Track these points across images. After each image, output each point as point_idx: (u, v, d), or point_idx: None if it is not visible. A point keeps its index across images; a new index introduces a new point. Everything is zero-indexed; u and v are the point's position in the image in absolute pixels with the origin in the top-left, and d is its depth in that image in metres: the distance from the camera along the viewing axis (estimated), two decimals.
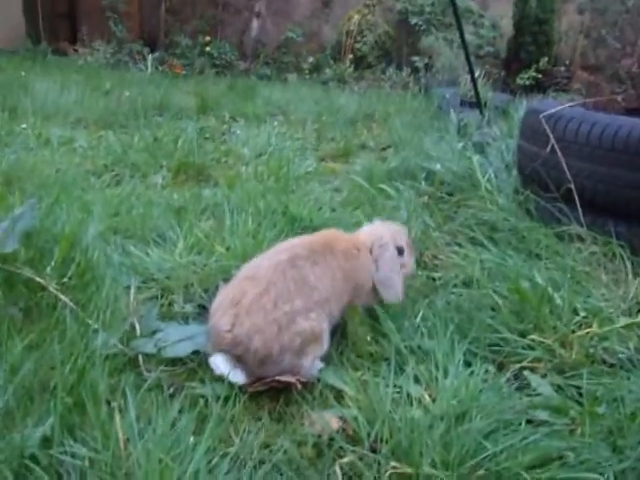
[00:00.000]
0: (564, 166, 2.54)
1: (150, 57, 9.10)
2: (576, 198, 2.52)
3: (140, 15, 10.77)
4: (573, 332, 1.87)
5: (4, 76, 6.66)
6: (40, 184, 2.97)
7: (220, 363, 1.59)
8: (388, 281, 1.86)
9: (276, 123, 5.31)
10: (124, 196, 2.82)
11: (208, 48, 10.02)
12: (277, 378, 1.56)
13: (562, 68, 8.90)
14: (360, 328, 1.67)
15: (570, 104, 2.81)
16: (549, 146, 2.58)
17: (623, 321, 1.98)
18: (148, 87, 6.51)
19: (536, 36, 9.34)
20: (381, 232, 1.96)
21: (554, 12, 9.39)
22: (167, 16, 10.72)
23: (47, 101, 5.18)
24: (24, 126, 4.35)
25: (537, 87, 8.51)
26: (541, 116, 2.62)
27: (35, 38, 10.22)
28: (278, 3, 10.89)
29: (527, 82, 8.55)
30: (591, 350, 1.84)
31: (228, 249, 2.26)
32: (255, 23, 10.33)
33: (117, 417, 1.36)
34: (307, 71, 9.71)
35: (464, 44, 4.42)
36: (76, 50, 9.67)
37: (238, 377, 1.58)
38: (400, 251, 1.95)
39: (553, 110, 2.63)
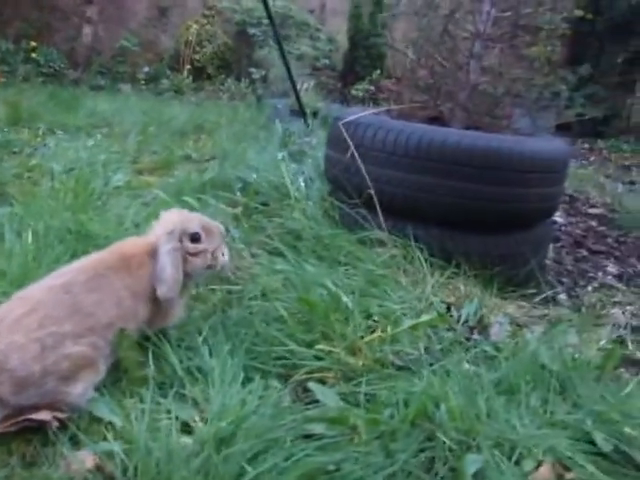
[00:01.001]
0: (364, 172, 2.59)
1: None
2: (376, 203, 2.58)
3: None
4: (362, 338, 1.88)
5: None
6: None
7: None
8: (160, 275, 1.67)
9: (99, 136, 5.01)
10: None
11: (34, 54, 9.32)
12: (30, 417, 1.39)
13: (392, 80, 9.40)
14: (130, 352, 1.55)
15: (372, 111, 2.88)
16: (349, 153, 2.62)
17: (413, 322, 2.03)
18: None
19: (369, 50, 9.81)
20: (169, 222, 1.76)
21: (385, 28, 9.91)
22: None
23: None
24: None
25: (370, 98, 8.90)
26: (340, 123, 2.66)
27: None
28: (111, 10, 10.42)
29: (360, 93, 8.91)
30: (379, 354, 1.85)
31: (2, 274, 2.02)
32: (87, 29, 9.78)
33: None
34: (143, 81, 9.36)
35: (282, 54, 4.45)
36: None
37: None
38: (194, 238, 1.76)
39: (351, 118, 2.68)
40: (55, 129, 5.27)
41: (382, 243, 2.56)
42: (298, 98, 4.66)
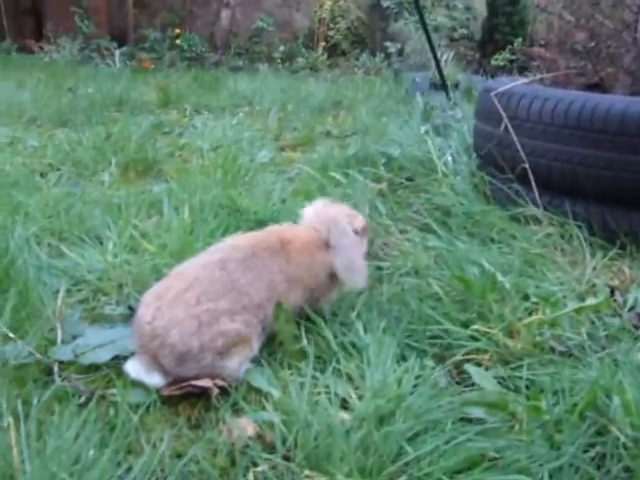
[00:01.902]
0: (518, 145, 2.44)
1: (117, 52, 8.91)
2: (531, 178, 2.43)
3: (107, 9, 10.54)
4: (520, 320, 1.78)
5: None
6: None
7: (134, 367, 1.49)
8: (352, 265, 1.74)
9: (241, 114, 5.18)
10: (63, 196, 2.69)
11: (178, 41, 9.84)
12: (193, 382, 1.45)
13: (537, 47, 8.81)
14: (287, 326, 1.57)
15: (524, 81, 2.70)
16: (502, 125, 2.48)
17: (575, 305, 1.89)
18: (112, 83, 6.34)
19: (510, 17, 9.26)
20: (334, 215, 1.80)
21: None
22: (135, 10, 10.52)
23: (1, 100, 5.02)
24: None
25: (513, 67, 8.41)
26: (492, 94, 2.52)
27: None
28: None
29: (501, 63, 8.45)
30: (539, 338, 1.74)
31: (163, 246, 2.14)
32: (225, 14, 10.14)
33: (12, 432, 1.25)
34: (279, 60, 9.55)
35: (424, 26, 4.30)
36: (41, 47, 9.44)
37: (155, 380, 1.48)
38: (356, 234, 1.80)
39: (504, 88, 2.53)
40: (200, 109, 5.53)
41: (537, 220, 2.40)
42: (440, 70, 4.50)
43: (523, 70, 7.84)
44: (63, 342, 1.71)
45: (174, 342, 1.45)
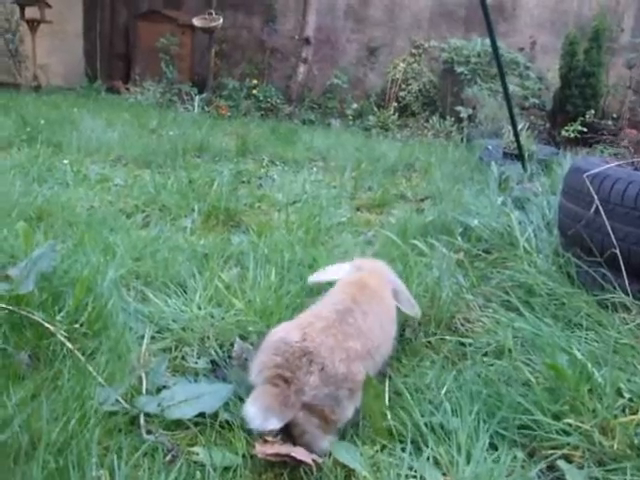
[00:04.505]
0: (609, 229, 2.38)
1: (197, 98, 9.29)
2: (622, 264, 2.35)
3: (191, 58, 11.09)
4: (615, 417, 1.69)
5: (57, 112, 6.83)
6: (69, 222, 2.96)
7: (255, 409, 1.40)
8: (412, 301, 2.02)
9: (315, 169, 5.27)
10: (150, 239, 2.77)
11: (255, 91, 10.20)
12: (292, 455, 1.41)
13: (609, 122, 8.70)
14: (375, 402, 1.54)
15: (618, 163, 2.66)
16: (593, 207, 2.43)
17: None
18: (192, 127, 6.58)
19: (583, 89, 9.18)
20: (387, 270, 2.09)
21: (602, 65, 9.25)
22: (217, 59, 11.01)
23: (91, 138, 5.27)
24: (65, 162, 4.41)
25: (583, 140, 8.30)
26: (585, 176, 2.48)
27: (92, 77, 10.64)
28: (325, 50, 11.08)
29: (572, 135, 8.35)
30: (636, 440, 1.65)
31: (248, 302, 2.16)
32: (302, 68, 10.47)
33: None
34: (351, 117, 9.75)
35: (507, 96, 4.32)
36: (128, 89, 9.97)
37: (271, 425, 1.40)
38: None
39: (598, 170, 2.49)
40: (276, 161, 5.66)
41: (626, 308, 2.32)
42: (518, 141, 4.48)
43: (593, 143, 7.65)
44: (147, 392, 1.73)
45: (325, 363, 1.45)
